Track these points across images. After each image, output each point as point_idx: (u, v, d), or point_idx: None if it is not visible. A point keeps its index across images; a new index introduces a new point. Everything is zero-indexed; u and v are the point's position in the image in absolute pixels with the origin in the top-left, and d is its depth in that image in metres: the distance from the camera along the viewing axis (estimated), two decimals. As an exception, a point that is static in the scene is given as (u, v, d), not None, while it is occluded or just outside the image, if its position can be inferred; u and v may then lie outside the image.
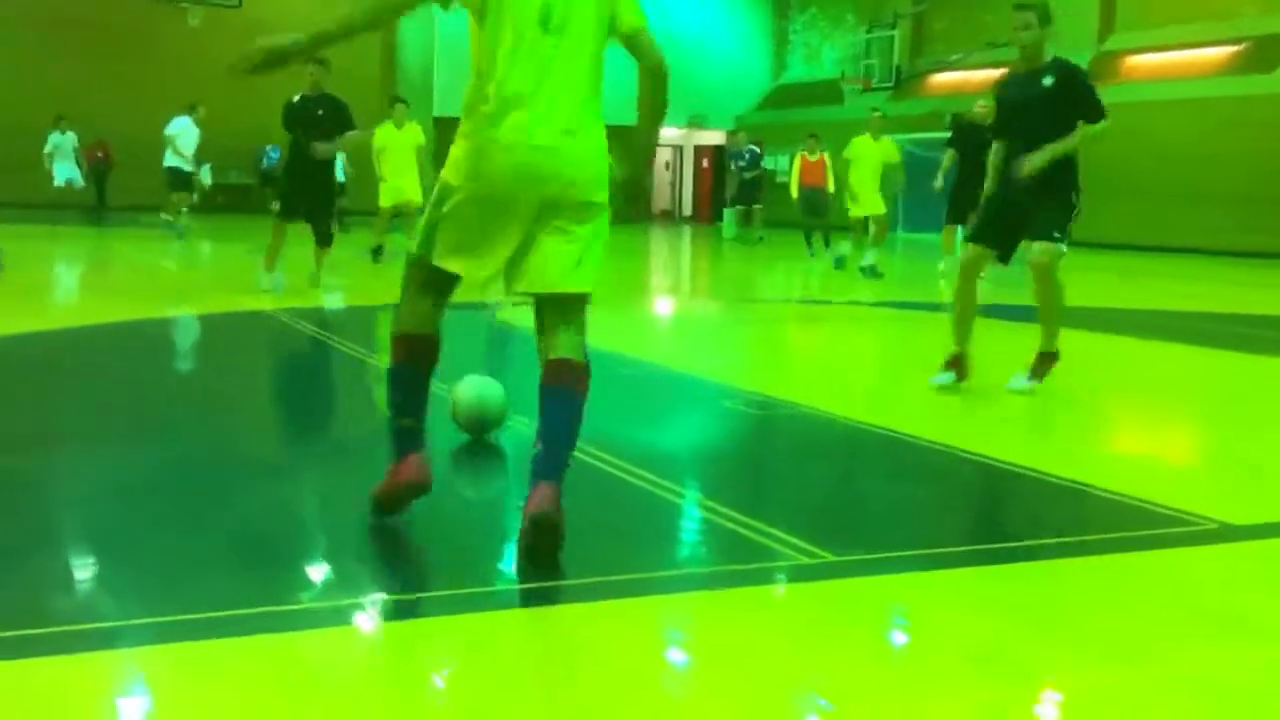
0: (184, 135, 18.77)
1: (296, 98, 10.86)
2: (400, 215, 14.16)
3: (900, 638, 3.08)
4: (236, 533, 3.69)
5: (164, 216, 19.19)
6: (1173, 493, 4.42)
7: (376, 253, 14.39)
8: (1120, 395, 7.29)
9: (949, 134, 14.57)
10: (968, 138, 13.90)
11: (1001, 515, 4.51)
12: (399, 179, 14.10)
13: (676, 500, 4.25)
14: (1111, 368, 8.28)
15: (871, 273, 14.41)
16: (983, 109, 15.04)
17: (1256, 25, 23.68)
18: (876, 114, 15.10)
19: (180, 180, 18.96)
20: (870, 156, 14.52)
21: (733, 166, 23.24)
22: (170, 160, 18.93)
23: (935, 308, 11.72)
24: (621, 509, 4.13)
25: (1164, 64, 24.85)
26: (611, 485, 4.36)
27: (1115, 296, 13.57)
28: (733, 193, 23.45)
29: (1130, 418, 6.70)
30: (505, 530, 3.71)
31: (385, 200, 14.26)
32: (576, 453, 3.56)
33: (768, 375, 7.75)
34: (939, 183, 14.37)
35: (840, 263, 15.62)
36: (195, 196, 19.86)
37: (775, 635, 2.98)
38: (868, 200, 14.53)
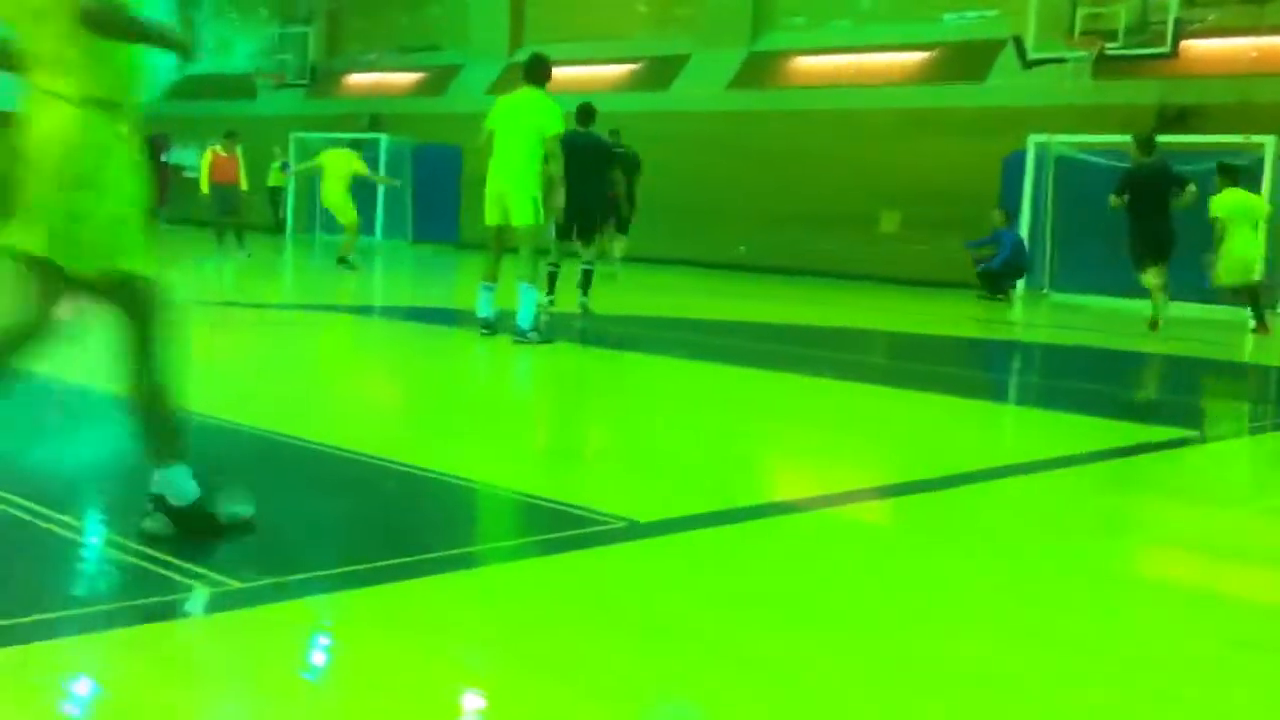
0: None
1: None
2: None
3: (315, 665, 2.88)
4: None
5: None
6: (584, 493, 4.53)
7: None
8: (533, 398, 7.46)
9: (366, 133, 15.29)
10: None
11: (418, 525, 4.39)
12: None
13: (66, 533, 3.78)
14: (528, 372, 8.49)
15: (344, 265, 17.14)
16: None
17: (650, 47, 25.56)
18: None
19: None
20: (338, 167, 17.13)
21: None
22: None
23: (333, 309, 11.55)
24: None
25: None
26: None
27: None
28: None
29: (540, 420, 6.87)
30: None
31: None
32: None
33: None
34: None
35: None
36: None
37: (176, 673, 2.68)
38: (340, 207, 17.14)
